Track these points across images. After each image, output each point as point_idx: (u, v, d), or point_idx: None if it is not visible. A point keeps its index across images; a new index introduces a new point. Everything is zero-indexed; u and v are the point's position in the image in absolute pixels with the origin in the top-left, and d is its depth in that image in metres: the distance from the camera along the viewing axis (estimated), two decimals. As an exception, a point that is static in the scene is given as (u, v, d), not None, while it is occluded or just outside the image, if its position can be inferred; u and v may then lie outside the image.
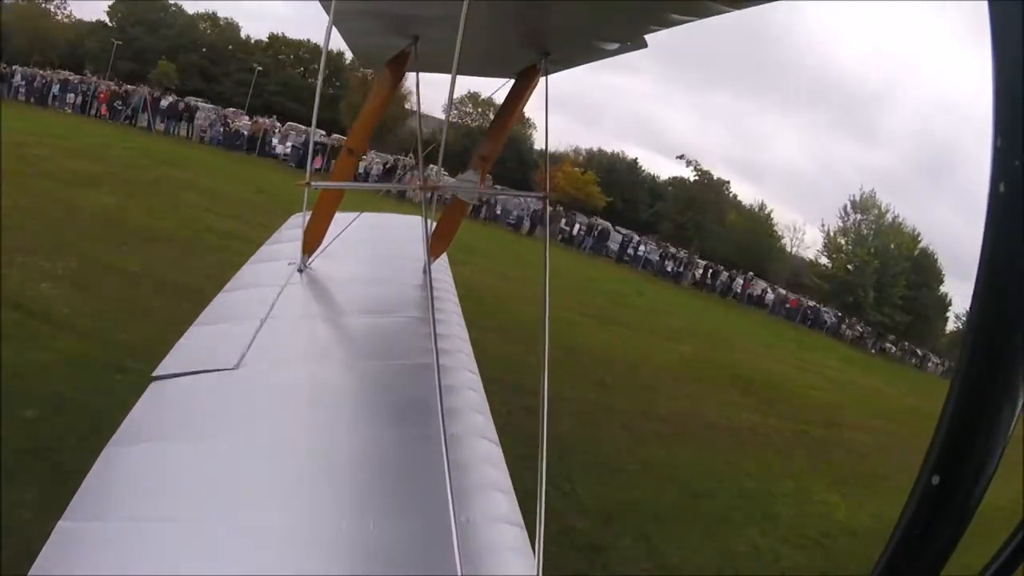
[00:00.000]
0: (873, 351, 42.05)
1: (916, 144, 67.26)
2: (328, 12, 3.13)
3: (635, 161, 53.86)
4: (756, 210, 52.95)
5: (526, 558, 1.81)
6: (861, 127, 73.71)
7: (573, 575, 5.48)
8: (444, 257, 4.72)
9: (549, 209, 5.84)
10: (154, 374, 2.70)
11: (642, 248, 37.94)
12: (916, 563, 0.76)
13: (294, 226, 4.57)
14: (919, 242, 49.91)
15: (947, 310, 50.74)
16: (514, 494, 2.13)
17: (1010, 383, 0.70)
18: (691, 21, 2.84)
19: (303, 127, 34.23)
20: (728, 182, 49.55)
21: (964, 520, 0.73)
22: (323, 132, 34.82)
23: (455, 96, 3.58)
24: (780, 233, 53.39)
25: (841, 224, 49.20)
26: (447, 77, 3.00)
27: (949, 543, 0.74)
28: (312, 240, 3.86)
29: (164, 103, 32.14)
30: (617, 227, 40.02)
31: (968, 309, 0.75)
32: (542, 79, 3.78)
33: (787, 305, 41.33)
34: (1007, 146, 0.67)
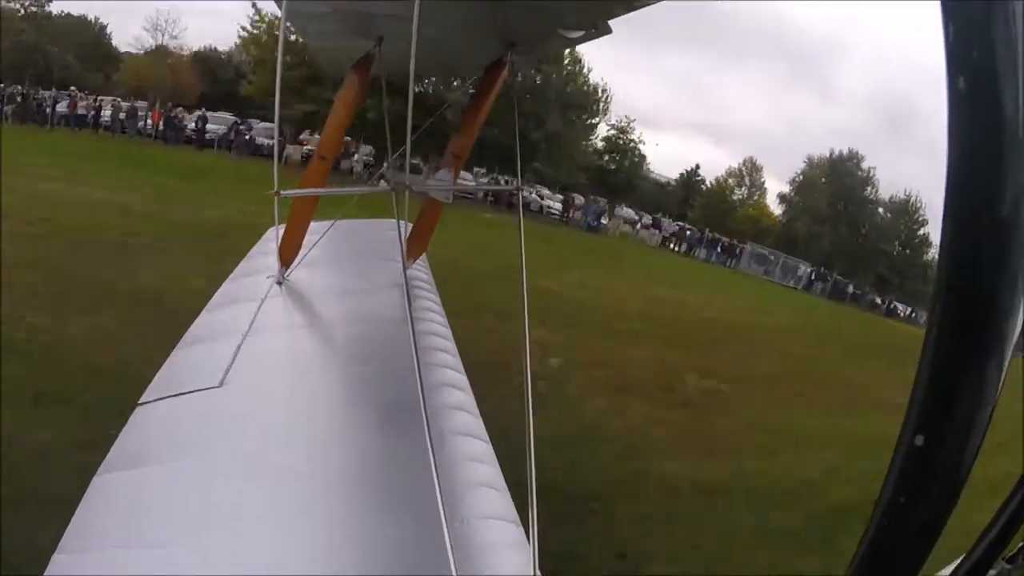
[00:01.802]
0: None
1: (875, 96, 68.18)
2: (280, 8, 3.09)
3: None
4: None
5: (522, 554, 1.80)
6: (819, 82, 74.72)
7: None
8: (424, 257, 4.69)
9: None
10: (140, 401, 2.66)
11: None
12: (906, 531, 0.71)
13: (271, 239, 4.52)
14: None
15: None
16: (507, 491, 2.12)
17: (994, 328, 0.65)
18: (653, 3, 2.83)
19: None
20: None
21: (956, 481, 0.69)
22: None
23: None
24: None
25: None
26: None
27: (942, 507, 0.70)
28: (288, 251, 3.81)
29: None
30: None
31: (938, 247, 0.69)
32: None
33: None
34: (959, 38, 0.63)
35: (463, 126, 4.15)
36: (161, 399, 2.68)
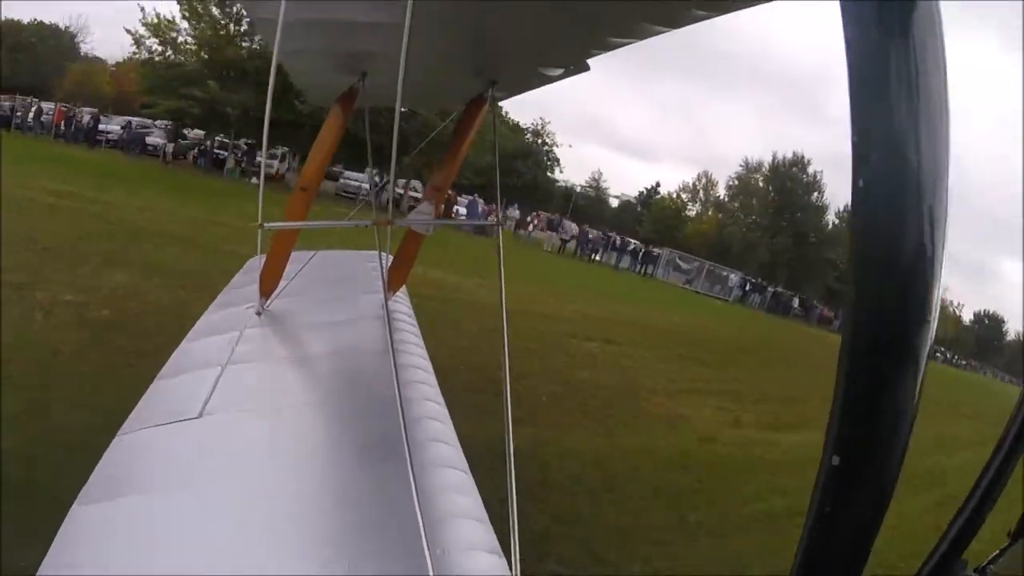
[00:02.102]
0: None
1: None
2: (272, 44, 3.13)
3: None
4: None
5: None
6: (809, 108, 75.19)
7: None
8: (404, 289, 4.72)
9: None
10: (119, 434, 2.64)
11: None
12: (834, 543, 0.74)
13: (252, 270, 4.53)
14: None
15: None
16: (488, 521, 2.12)
17: (906, 349, 0.68)
18: (631, 43, 2.93)
19: None
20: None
21: (878, 496, 0.71)
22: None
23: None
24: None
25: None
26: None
27: (867, 521, 0.73)
28: (269, 282, 3.82)
29: None
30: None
31: (848, 285, 0.72)
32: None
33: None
34: (863, 141, 0.69)
35: (444, 160, 4.22)
36: (139, 430, 2.66)
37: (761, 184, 52.18)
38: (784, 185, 50.66)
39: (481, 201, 38.86)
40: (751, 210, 51.77)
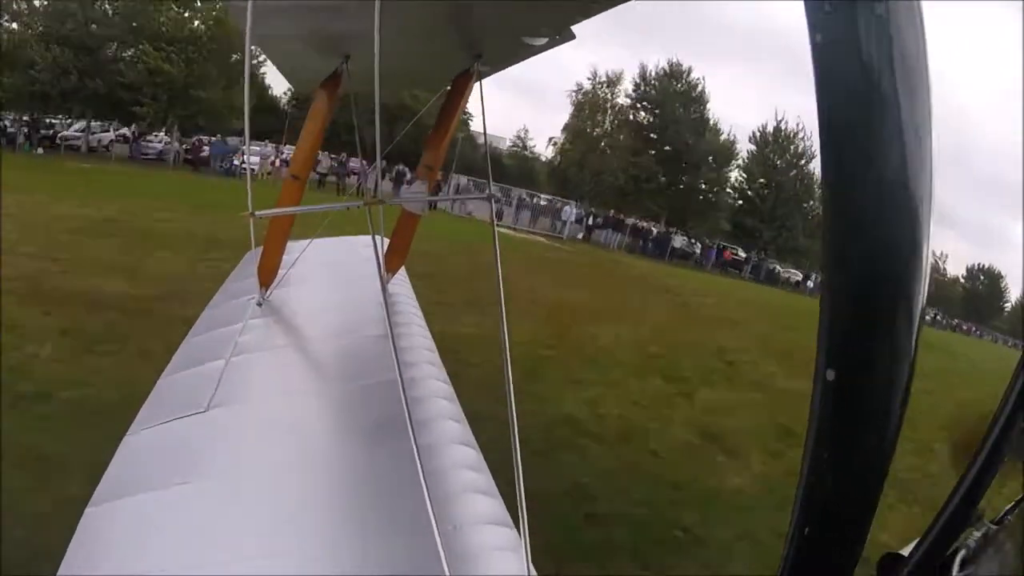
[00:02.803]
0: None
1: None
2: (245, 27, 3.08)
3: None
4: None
5: (515, 555, 1.82)
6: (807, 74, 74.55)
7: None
8: (403, 270, 4.70)
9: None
10: (128, 433, 2.66)
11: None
12: (839, 465, 0.67)
13: (250, 262, 4.52)
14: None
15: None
16: (499, 495, 2.14)
17: (907, 250, 0.61)
18: (615, 6, 2.87)
19: None
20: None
21: (881, 415, 0.64)
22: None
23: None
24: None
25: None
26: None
27: (871, 443, 0.65)
28: (267, 272, 3.81)
29: None
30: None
31: (820, 176, 0.63)
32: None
33: None
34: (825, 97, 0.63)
35: (433, 138, 4.17)
36: (148, 428, 2.67)
37: (623, 100, 43.24)
38: (656, 99, 41.59)
39: (229, 141, 38.01)
40: (606, 133, 42.33)
